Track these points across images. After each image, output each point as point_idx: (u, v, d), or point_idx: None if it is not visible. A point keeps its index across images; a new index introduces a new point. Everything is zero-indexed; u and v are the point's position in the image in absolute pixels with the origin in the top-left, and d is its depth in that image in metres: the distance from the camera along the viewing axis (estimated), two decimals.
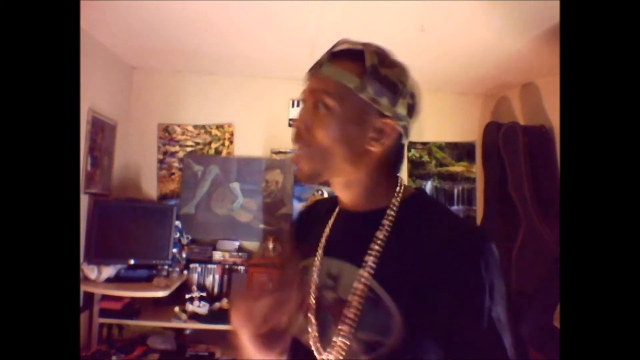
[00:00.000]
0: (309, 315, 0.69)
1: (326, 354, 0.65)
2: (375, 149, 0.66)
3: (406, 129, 0.68)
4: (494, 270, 0.58)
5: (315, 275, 0.70)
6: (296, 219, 0.90)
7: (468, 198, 2.86)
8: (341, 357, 0.63)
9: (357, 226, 0.69)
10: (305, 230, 0.81)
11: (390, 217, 0.66)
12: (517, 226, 2.27)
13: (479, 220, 2.70)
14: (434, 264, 0.59)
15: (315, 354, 0.66)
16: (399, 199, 0.68)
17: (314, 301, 0.69)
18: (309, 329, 0.68)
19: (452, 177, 2.87)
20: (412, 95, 0.68)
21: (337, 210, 0.76)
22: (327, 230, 0.74)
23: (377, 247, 0.64)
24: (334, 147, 0.65)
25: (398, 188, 0.69)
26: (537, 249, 2.12)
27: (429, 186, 2.85)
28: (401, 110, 0.66)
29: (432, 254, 0.60)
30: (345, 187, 0.70)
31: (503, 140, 2.41)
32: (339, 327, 0.63)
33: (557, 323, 1.84)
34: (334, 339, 0.64)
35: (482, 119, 2.87)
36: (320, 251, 0.72)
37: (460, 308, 0.57)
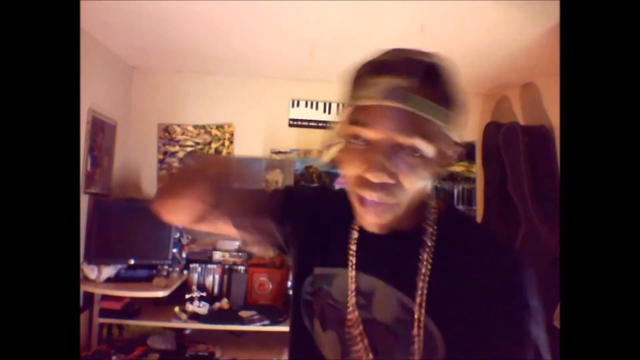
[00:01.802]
0: (333, 330, 0.65)
1: None
2: (440, 172, 0.61)
3: None
4: (531, 290, 0.56)
5: (340, 289, 0.65)
6: (300, 198, 0.79)
7: (468, 198, 2.86)
8: None
9: (396, 243, 0.62)
10: (312, 224, 0.73)
11: (432, 237, 0.61)
12: (517, 226, 2.27)
13: (478, 220, 2.70)
14: (473, 285, 0.56)
15: None
16: (435, 215, 0.63)
17: (340, 317, 0.64)
18: (331, 345, 0.64)
19: (452, 177, 2.87)
20: None
21: (357, 228, 0.68)
22: (353, 241, 0.67)
23: (427, 272, 0.59)
24: (415, 190, 0.57)
25: (434, 204, 0.64)
26: (537, 248, 2.12)
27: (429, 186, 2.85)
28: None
29: (470, 275, 0.57)
30: (384, 228, 0.61)
31: (503, 140, 2.41)
32: (375, 349, 0.60)
33: (557, 323, 1.84)
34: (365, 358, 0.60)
35: (482, 119, 2.87)
36: (352, 265, 0.65)
37: (500, 330, 0.55)
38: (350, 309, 0.63)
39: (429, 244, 0.60)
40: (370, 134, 0.54)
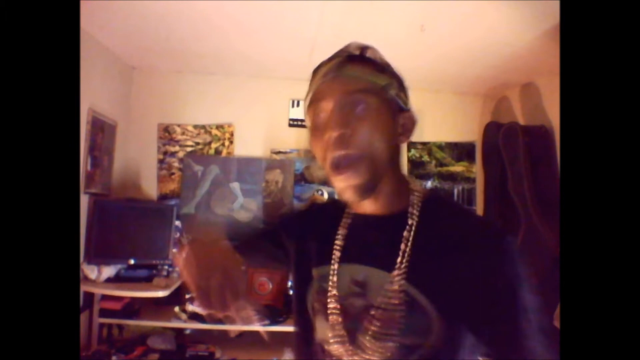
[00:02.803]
0: (335, 323, 0.67)
1: None
2: (402, 143, 0.68)
3: None
4: (516, 261, 0.59)
5: (336, 283, 0.68)
6: (292, 217, 0.90)
7: (468, 198, 2.86)
8: None
9: (382, 230, 0.68)
10: (305, 234, 0.79)
11: (415, 218, 0.66)
12: (517, 226, 2.27)
13: None
14: (459, 262, 0.60)
15: None
16: (419, 199, 0.68)
17: (339, 309, 0.67)
18: (335, 337, 0.67)
19: (452, 177, 2.87)
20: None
21: (347, 215, 0.74)
22: (340, 236, 0.72)
23: (406, 249, 0.64)
24: (382, 148, 0.64)
25: (415, 187, 0.70)
26: (537, 248, 2.12)
27: (428, 186, 2.85)
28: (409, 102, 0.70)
29: (456, 252, 0.61)
30: (375, 193, 0.66)
31: (503, 140, 2.41)
32: (376, 333, 0.62)
33: (557, 323, 1.84)
34: (369, 344, 0.63)
35: (482, 119, 2.87)
36: (336, 258, 0.70)
37: (491, 301, 0.58)
38: (348, 299, 0.67)
39: (410, 222, 0.65)
40: (322, 104, 0.65)
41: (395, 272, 0.63)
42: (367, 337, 0.63)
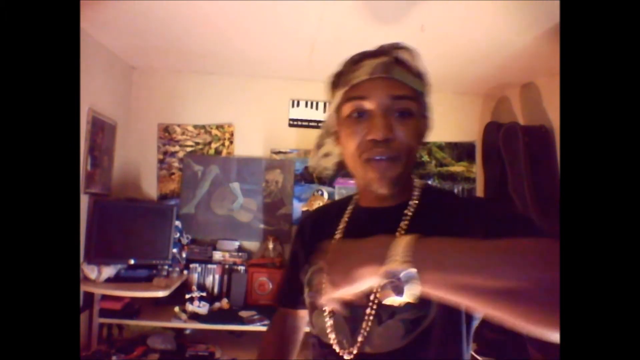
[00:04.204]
0: (328, 316, 0.69)
1: (356, 348, 0.64)
2: (420, 145, 0.72)
3: None
4: (496, 206, 0.66)
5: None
6: (299, 229, 0.90)
7: None
8: (379, 347, 0.63)
9: (382, 220, 0.70)
10: (312, 237, 0.81)
11: (411, 209, 0.69)
12: None
13: None
14: (452, 227, 0.62)
15: (344, 351, 0.66)
16: (418, 192, 0.72)
17: (333, 312, 0.69)
18: (333, 330, 0.68)
19: (452, 177, 2.87)
20: None
21: (350, 209, 0.78)
22: (339, 230, 0.75)
23: (395, 234, 0.66)
24: (415, 150, 0.69)
25: (417, 183, 0.74)
26: None
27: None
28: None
29: (447, 229, 0.61)
30: (390, 184, 0.69)
31: (503, 140, 2.41)
32: (376, 315, 0.64)
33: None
34: (370, 330, 0.64)
35: (482, 119, 2.87)
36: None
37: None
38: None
39: (406, 213, 0.69)
40: (366, 104, 0.65)
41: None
42: (367, 323, 0.64)
